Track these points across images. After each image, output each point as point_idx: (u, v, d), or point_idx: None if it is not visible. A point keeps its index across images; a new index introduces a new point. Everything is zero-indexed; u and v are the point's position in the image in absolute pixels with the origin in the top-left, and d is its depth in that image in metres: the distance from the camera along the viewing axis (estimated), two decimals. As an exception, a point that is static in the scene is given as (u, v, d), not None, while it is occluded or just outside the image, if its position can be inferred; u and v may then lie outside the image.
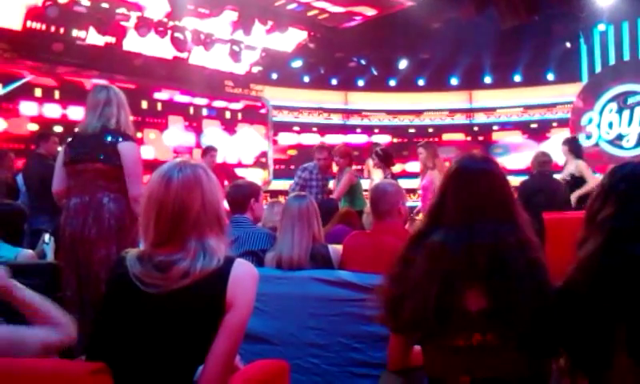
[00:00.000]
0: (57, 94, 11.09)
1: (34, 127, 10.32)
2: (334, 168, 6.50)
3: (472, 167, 1.75)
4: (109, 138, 3.13)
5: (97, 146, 3.14)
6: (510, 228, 1.65)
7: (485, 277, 1.59)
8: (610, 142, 11.49)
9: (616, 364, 1.45)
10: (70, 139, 3.31)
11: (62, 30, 9.84)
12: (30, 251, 3.74)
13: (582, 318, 1.51)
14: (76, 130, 3.29)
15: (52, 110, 10.94)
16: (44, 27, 9.64)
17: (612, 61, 11.86)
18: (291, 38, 12.37)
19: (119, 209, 3.12)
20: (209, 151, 7.57)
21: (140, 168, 3.17)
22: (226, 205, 3.74)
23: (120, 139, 3.13)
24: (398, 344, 1.81)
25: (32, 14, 9.38)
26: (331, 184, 6.49)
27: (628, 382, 1.44)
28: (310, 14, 11.52)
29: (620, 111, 11.36)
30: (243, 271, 1.70)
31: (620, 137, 11.37)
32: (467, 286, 1.61)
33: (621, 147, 11.31)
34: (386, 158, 6.19)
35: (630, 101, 11.24)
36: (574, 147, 6.63)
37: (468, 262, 1.60)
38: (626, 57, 11.68)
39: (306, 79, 15.16)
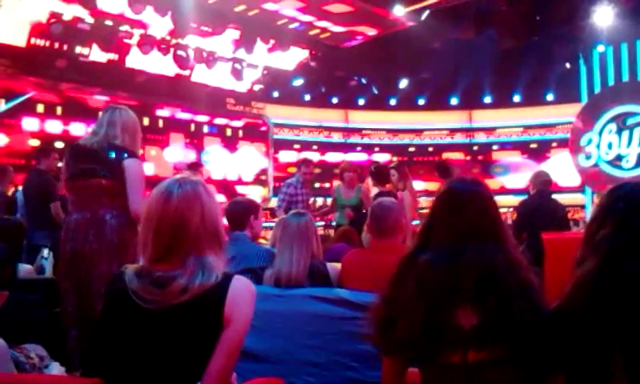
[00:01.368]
0: (59, 110, 11.17)
1: (35, 143, 10.37)
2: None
3: (460, 189, 1.79)
4: (113, 154, 3.15)
5: (100, 161, 3.15)
6: (497, 249, 1.68)
7: (474, 296, 1.61)
8: (610, 163, 11.50)
9: None
10: (69, 153, 3.28)
11: (65, 47, 9.92)
12: (29, 266, 3.74)
13: (579, 337, 1.51)
14: (79, 142, 3.27)
15: (54, 126, 11.00)
16: (48, 44, 9.72)
17: (611, 82, 11.92)
18: (293, 57, 12.47)
19: (121, 225, 3.12)
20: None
21: (143, 185, 3.18)
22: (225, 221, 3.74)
23: (125, 155, 3.15)
24: (391, 366, 1.81)
25: (36, 30, 9.47)
26: (320, 200, 6.67)
27: None
28: (312, 33, 11.62)
29: (619, 132, 11.38)
30: (241, 288, 1.70)
31: (619, 157, 11.38)
32: (457, 305, 1.62)
33: (620, 168, 11.32)
34: (379, 176, 6.20)
35: (630, 122, 11.27)
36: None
37: (456, 281, 1.62)
38: (625, 78, 11.74)
39: (307, 97, 15.25)
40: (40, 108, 10.97)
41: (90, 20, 9.57)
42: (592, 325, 1.48)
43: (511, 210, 8.54)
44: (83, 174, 3.17)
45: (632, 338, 1.44)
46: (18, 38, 9.43)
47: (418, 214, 6.47)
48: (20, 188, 6.20)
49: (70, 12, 9.35)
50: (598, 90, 12.13)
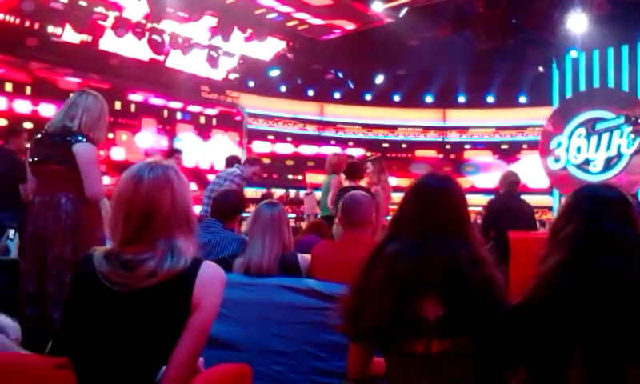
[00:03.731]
0: (28, 90, 10.92)
1: (3, 122, 10.13)
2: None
3: (431, 184, 1.83)
4: (66, 139, 3.15)
5: (54, 147, 3.20)
6: (462, 244, 1.72)
7: (439, 287, 1.65)
8: (578, 167, 11.75)
9: (571, 378, 1.50)
10: (36, 137, 3.35)
11: (36, 26, 9.71)
12: (-7, 247, 3.66)
13: (540, 331, 1.55)
14: (45, 127, 3.28)
15: (22, 106, 10.76)
16: (18, 21, 9.50)
17: (582, 87, 12.17)
18: (270, 47, 12.42)
19: (75, 209, 3.15)
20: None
21: (95, 168, 3.20)
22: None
23: (76, 140, 3.14)
24: (357, 353, 1.84)
25: (6, 6, 9.24)
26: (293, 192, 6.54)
27: None
28: (290, 24, 11.59)
29: (588, 136, 11.64)
30: (210, 273, 1.71)
31: (587, 162, 11.64)
32: (423, 295, 1.66)
33: (588, 172, 11.57)
34: (350, 172, 6.20)
35: (598, 127, 11.53)
36: None
37: (422, 272, 1.66)
38: (596, 84, 11.99)
39: (283, 89, 15.21)
40: (8, 87, 10.71)
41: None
42: (553, 318, 1.53)
43: (480, 209, 8.68)
44: (39, 159, 3.22)
45: (591, 331, 1.49)
46: (-13, 14, 9.21)
47: (391, 210, 6.51)
48: None
49: (43, -10, 9.17)
50: (569, 94, 12.37)
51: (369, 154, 15.22)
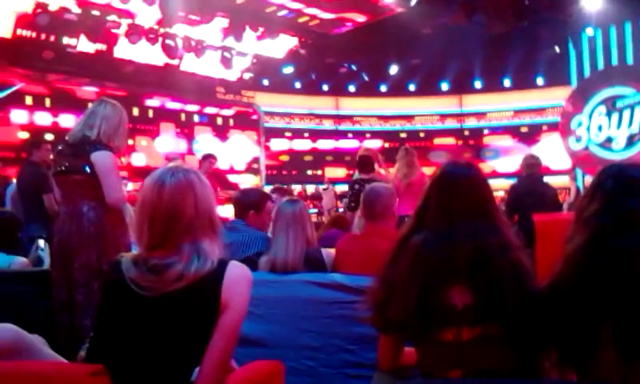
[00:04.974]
0: (47, 102, 11.08)
1: (24, 135, 10.29)
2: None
3: (454, 172, 1.83)
4: (85, 148, 3.20)
5: (74, 157, 3.26)
6: (489, 229, 1.72)
7: (467, 274, 1.65)
8: (600, 145, 11.57)
9: (602, 357, 1.49)
10: (57, 149, 3.43)
11: (52, 38, 9.83)
12: (24, 259, 3.74)
13: (569, 312, 1.54)
14: (66, 138, 3.35)
15: (43, 118, 10.92)
16: (34, 35, 9.64)
17: (600, 65, 11.96)
18: (282, 45, 12.42)
19: (98, 217, 3.20)
20: (207, 158, 7.61)
21: (114, 176, 3.24)
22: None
23: (93, 149, 3.19)
24: (387, 344, 1.85)
25: (22, 21, 9.37)
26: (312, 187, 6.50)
27: (614, 374, 1.47)
28: (301, 20, 11.58)
29: (609, 114, 11.44)
30: (237, 273, 1.72)
31: (609, 139, 11.45)
32: (450, 284, 1.66)
33: (610, 150, 11.39)
34: (360, 165, 6.17)
35: (619, 104, 11.32)
36: None
37: (448, 260, 1.66)
38: (614, 61, 11.78)
39: (298, 85, 15.22)
40: (29, 100, 10.88)
41: (77, 10, 9.49)
42: (581, 299, 1.52)
43: (502, 194, 8.61)
44: (61, 170, 3.28)
45: (619, 310, 1.47)
46: (4, 29, 9.35)
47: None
48: (13, 181, 6.17)
49: (55, 2, 9.27)
50: (587, 73, 12.17)
51: (387, 144, 15.18)
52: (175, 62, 11.38)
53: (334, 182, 13.70)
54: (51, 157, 4.72)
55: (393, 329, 1.77)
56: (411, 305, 1.66)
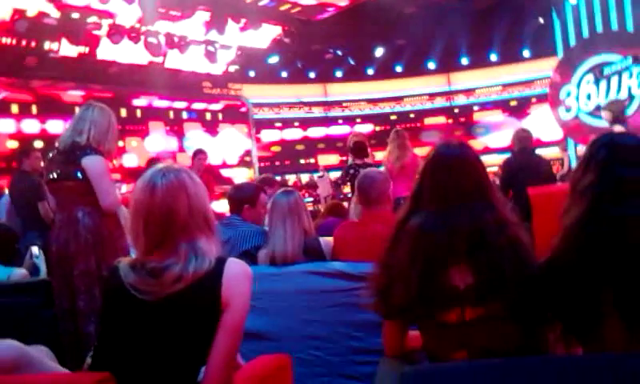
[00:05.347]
0: (34, 109, 10.97)
1: (13, 144, 10.20)
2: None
3: (447, 153, 1.82)
4: (76, 154, 3.17)
5: (65, 163, 3.23)
6: (485, 208, 1.72)
7: (466, 255, 1.65)
8: (590, 114, 11.57)
9: (606, 327, 1.49)
10: (48, 156, 3.39)
11: (33, 44, 9.71)
12: (23, 270, 3.72)
13: (570, 284, 1.54)
14: (56, 144, 3.31)
15: (30, 126, 10.82)
16: (14, 42, 9.51)
17: (585, 33, 11.94)
18: (266, 34, 12.33)
19: (94, 223, 3.18)
20: (197, 154, 7.56)
21: (105, 180, 3.21)
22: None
23: (83, 154, 3.16)
24: (392, 329, 1.85)
25: (1, 29, 9.24)
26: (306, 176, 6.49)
27: (619, 344, 1.47)
28: (283, 8, 11.49)
29: (597, 82, 11.44)
30: (236, 270, 1.72)
31: (599, 107, 11.42)
32: (450, 265, 1.66)
33: (600, 118, 11.39)
34: (353, 150, 6.15)
35: (606, 71, 11.32)
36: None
37: (447, 242, 1.66)
38: (599, 28, 11.76)
39: (284, 74, 15.14)
40: (14, 108, 10.77)
41: (56, 14, 9.36)
42: (582, 270, 1.52)
43: (496, 169, 8.62)
44: (54, 178, 3.25)
45: (620, 278, 1.48)
46: (-17, 38, 9.23)
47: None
48: (6, 192, 6.13)
49: (34, 7, 9.13)
50: (573, 42, 12.15)
51: (377, 128, 15.15)
52: (159, 59, 11.26)
53: (328, 169, 13.69)
54: (42, 164, 4.68)
55: (396, 314, 1.77)
56: (413, 289, 1.65)
